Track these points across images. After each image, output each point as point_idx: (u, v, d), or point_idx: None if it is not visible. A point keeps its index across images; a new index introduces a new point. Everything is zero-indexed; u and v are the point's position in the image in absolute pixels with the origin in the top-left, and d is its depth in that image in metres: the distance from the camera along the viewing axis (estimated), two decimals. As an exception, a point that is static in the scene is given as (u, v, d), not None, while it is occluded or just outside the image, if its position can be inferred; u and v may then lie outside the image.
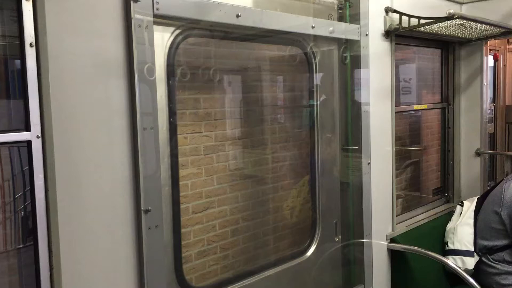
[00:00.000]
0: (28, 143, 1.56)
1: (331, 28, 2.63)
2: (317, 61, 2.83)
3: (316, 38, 2.75)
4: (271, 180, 2.97)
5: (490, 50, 4.54)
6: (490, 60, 4.65)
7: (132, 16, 1.75)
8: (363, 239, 2.90)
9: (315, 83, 2.87)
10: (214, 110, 2.64)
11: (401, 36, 3.08)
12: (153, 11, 1.83)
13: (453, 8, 2.94)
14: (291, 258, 2.87)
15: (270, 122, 2.98)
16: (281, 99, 3.09)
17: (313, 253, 2.90)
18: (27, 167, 1.60)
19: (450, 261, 3.15)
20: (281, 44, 2.89)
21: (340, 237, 3.01)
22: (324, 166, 2.94)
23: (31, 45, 1.54)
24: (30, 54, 1.54)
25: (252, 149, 2.87)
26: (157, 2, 1.83)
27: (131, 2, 1.75)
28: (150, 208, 1.82)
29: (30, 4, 1.53)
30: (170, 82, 2.13)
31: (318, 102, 2.88)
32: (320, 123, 2.91)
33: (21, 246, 1.88)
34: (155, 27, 1.88)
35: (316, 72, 2.85)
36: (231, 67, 2.74)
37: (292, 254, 2.96)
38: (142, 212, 1.81)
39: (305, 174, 3.13)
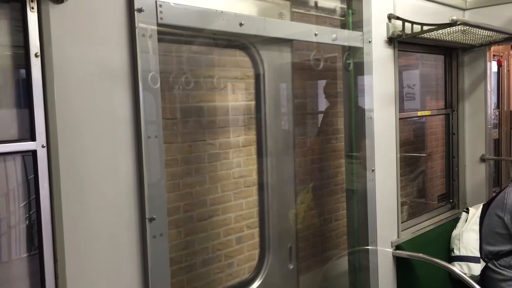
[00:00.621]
0: (34, 152, 1.57)
1: (334, 35, 2.63)
2: (265, 67, 2.59)
3: (265, 40, 2.54)
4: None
5: (494, 55, 4.54)
6: (493, 66, 4.65)
7: (136, 25, 1.77)
8: (368, 246, 2.88)
9: (263, 91, 2.61)
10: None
11: (404, 42, 3.09)
12: (157, 20, 1.84)
13: (456, 14, 2.94)
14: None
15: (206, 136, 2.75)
16: (224, 108, 2.87)
17: (260, 286, 2.60)
18: (32, 176, 1.61)
19: (456, 267, 3.14)
20: (224, 48, 2.72)
21: (295, 264, 2.69)
22: (275, 183, 2.68)
23: (36, 56, 1.55)
24: (35, 64, 1.55)
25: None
26: (161, 12, 1.84)
27: (135, 12, 1.76)
28: (154, 216, 1.83)
29: (35, 14, 1.55)
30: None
31: (267, 112, 2.62)
32: (271, 136, 2.63)
33: (26, 254, 1.89)
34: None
35: (264, 80, 2.60)
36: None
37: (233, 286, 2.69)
38: (147, 220, 1.81)
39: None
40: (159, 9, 1.83)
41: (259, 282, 2.59)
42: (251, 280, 2.62)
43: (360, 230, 2.92)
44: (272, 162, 2.64)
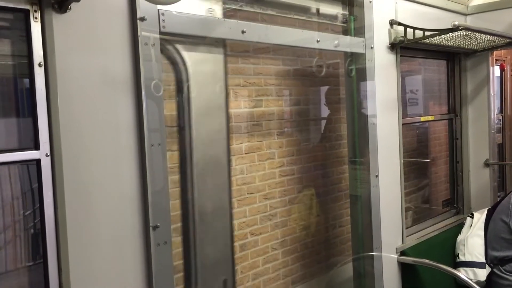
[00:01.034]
0: (38, 161, 1.57)
1: (336, 42, 2.64)
2: (189, 71, 2.21)
3: (189, 39, 2.20)
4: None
5: (496, 60, 4.54)
6: (496, 70, 4.65)
7: (139, 34, 1.78)
8: (373, 252, 2.87)
9: (187, 99, 2.23)
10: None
11: (406, 48, 3.09)
12: (160, 29, 1.85)
13: (458, 20, 2.94)
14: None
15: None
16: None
17: None
18: (36, 185, 1.61)
19: (462, 273, 3.12)
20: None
21: None
22: (206, 200, 2.27)
23: (39, 65, 1.56)
24: (39, 74, 1.56)
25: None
26: (163, 20, 1.85)
27: (138, 21, 1.77)
28: (158, 224, 1.83)
29: (39, 24, 1.56)
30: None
31: (193, 124, 2.22)
32: (198, 153, 2.23)
33: (30, 264, 1.89)
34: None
35: (189, 86, 2.23)
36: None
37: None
38: (151, 228, 1.81)
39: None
40: (161, 17, 1.84)
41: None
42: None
43: (364, 236, 2.91)
44: (200, 182, 2.24)
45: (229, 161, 2.37)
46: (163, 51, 2.11)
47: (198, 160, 2.24)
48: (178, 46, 2.17)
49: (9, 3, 1.51)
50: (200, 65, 2.25)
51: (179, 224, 2.32)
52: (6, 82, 1.74)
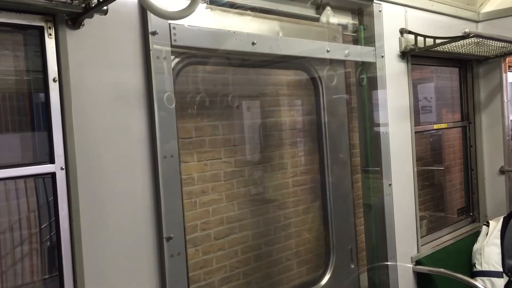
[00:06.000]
0: (53, 175, 1.60)
1: (346, 51, 2.65)
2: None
3: None
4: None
5: (509, 66, 4.49)
6: (509, 77, 4.60)
7: (151, 47, 1.80)
8: (387, 262, 2.85)
9: None
10: None
11: (417, 56, 3.08)
12: (171, 42, 1.87)
13: (469, 27, 2.94)
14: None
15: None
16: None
17: (327, 282, 2.81)
18: (52, 198, 1.63)
19: (479, 282, 3.08)
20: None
21: (356, 264, 2.92)
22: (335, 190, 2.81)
23: (54, 80, 1.59)
24: (53, 89, 1.59)
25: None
26: (174, 34, 1.88)
27: (150, 35, 1.80)
28: (172, 235, 1.84)
29: (53, 41, 1.59)
30: None
31: None
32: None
33: (46, 276, 1.91)
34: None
35: None
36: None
37: (304, 284, 2.82)
38: (164, 239, 1.82)
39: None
40: (172, 31, 1.87)
41: (327, 278, 2.85)
42: (320, 277, 2.85)
43: (379, 245, 2.89)
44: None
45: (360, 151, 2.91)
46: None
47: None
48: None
49: (24, 21, 1.55)
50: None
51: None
52: (22, 97, 1.77)
